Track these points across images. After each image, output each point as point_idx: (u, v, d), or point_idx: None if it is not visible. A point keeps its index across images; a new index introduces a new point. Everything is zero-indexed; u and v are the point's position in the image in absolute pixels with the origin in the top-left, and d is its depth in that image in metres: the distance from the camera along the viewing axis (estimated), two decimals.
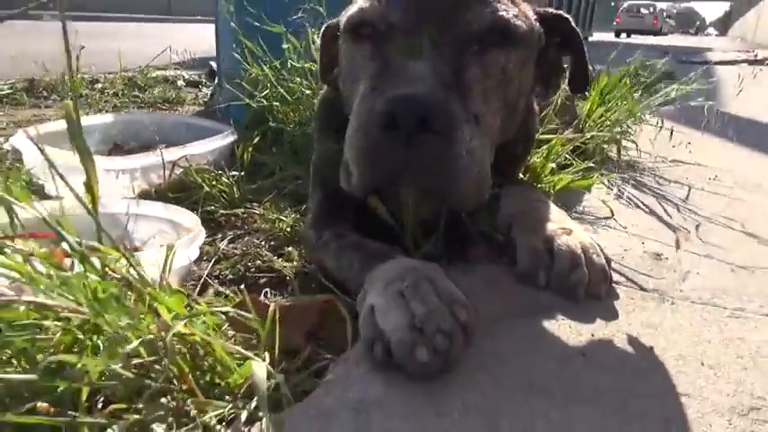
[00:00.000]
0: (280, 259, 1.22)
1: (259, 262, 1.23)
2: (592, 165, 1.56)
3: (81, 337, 0.65)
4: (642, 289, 1.00)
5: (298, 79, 1.80)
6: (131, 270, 0.66)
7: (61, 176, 0.67)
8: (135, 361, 0.62)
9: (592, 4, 14.89)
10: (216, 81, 2.92)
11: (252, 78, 1.85)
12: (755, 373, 0.76)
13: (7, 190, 1.04)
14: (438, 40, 0.84)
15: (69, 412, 0.59)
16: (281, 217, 1.38)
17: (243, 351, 0.65)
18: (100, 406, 0.64)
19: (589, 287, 0.92)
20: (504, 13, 0.89)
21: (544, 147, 1.40)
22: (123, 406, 0.61)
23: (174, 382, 0.65)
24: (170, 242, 0.90)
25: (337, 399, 0.68)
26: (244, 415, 0.63)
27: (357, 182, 0.83)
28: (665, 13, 34.53)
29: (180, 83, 3.57)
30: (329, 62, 1.11)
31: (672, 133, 2.07)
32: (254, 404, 0.64)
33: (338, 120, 1.17)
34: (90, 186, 0.64)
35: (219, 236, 1.36)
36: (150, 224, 1.24)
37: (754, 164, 1.96)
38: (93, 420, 0.58)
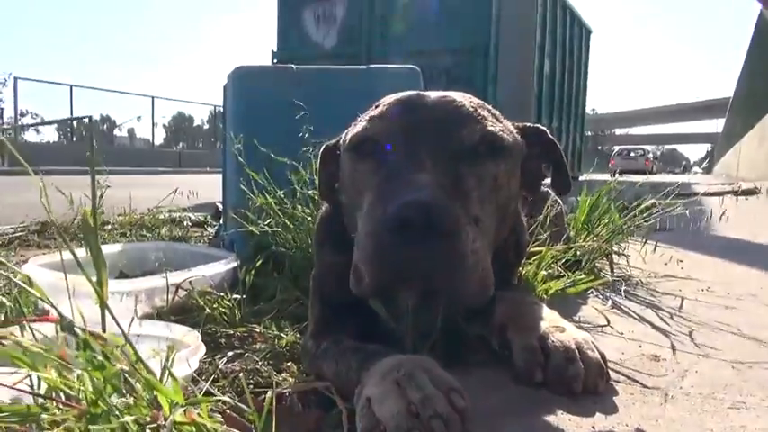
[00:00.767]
0: (280, 375, 1.22)
1: (258, 378, 1.22)
2: (583, 275, 1.60)
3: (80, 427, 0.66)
4: (642, 386, 1.00)
5: (299, 207, 1.90)
6: (132, 357, 0.68)
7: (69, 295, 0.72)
8: None
9: (579, 148, 15.81)
10: (221, 220, 3.05)
11: (256, 208, 1.95)
12: None
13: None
14: (436, 155, 0.93)
15: None
16: (280, 334, 1.39)
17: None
18: None
19: (586, 382, 0.92)
20: (492, 129, 1.00)
21: (535, 257, 1.45)
22: None
23: None
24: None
25: None
26: None
27: (369, 283, 0.87)
28: (650, 155, 37.27)
29: (186, 223, 3.71)
30: (327, 180, 1.20)
31: (663, 252, 2.13)
32: None
33: (336, 235, 1.24)
34: (99, 273, 0.68)
35: (219, 355, 1.36)
36: (152, 342, 1.26)
37: (750, 278, 1.99)
38: None
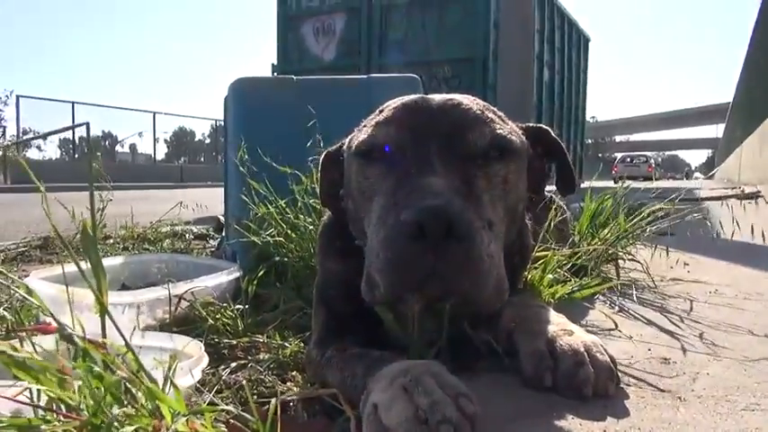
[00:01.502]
0: (284, 385, 1.20)
1: (262, 388, 1.21)
2: (589, 280, 1.58)
3: None
4: (653, 388, 0.98)
5: (301, 216, 1.89)
6: (133, 366, 0.66)
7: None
8: None
9: (580, 156, 15.82)
10: (223, 232, 3.05)
11: (258, 218, 1.94)
12: None
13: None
14: (446, 158, 0.92)
15: None
16: (284, 344, 1.38)
17: None
18: None
19: (596, 385, 0.91)
20: (500, 131, 0.99)
21: (541, 262, 1.43)
22: None
23: None
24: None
25: None
26: None
27: (384, 290, 0.86)
28: (652, 161, 37.59)
29: (188, 236, 3.70)
30: (329, 186, 1.19)
31: (668, 253, 2.12)
32: None
33: (339, 243, 1.23)
34: (99, 282, 0.67)
35: (223, 366, 1.34)
36: (154, 354, 1.24)
37: (758, 279, 1.97)
38: None
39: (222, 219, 3.17)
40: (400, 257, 0.82)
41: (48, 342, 0.83)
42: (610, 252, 1.85)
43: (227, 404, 1.14)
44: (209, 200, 4.34)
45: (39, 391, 0.66)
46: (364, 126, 1.09)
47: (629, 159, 35.66)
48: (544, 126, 1.19)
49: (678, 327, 1.38)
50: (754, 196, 6.80)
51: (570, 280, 1.52)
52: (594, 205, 2.12)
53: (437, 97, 1.03)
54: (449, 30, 8.44)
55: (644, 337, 1.29)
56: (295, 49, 10.00)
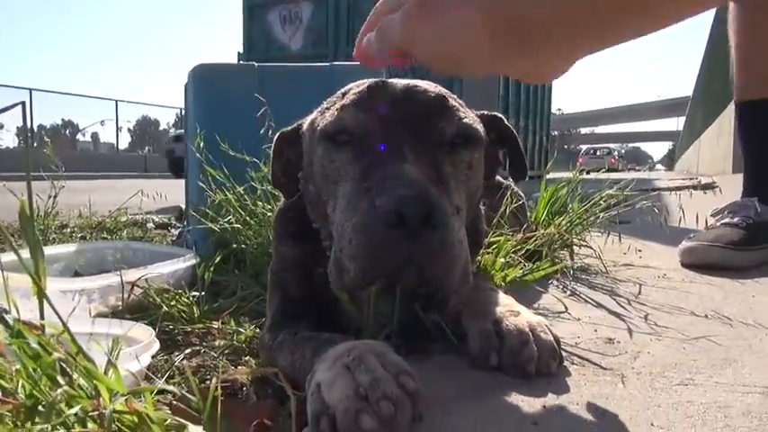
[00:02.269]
0: (236, 369, 1.20)
1: (215, 374, 1.20)
2: (540, 264, 1.61)
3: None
4: (596, 366, 1.01)
5: (260, 203, 1.88)
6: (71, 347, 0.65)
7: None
8: None
9: (546, 147, 16.04)
10: (185, 222, 3.00)
11: (216, 205, 1.93)
12: (704, 429, 0.76)
13: None
14: (415, 144, 0.92)
15: None
16: (239, 330, 1.37)
17: (181, 420, 0.64)
18: None
19: (539, 364, 0.93)
20: (467, 120, 1.01)
21: (494, 246, 1.46)
22: None
23: None
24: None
25: None
26: None
27: (355, 275, 0.86)
28: (616, 153, 38.73)
29: (149, 225, 3.64)
30: (283, 167, 1.18)
31: (621, 240, 2.17)
32: None
33: (294, 227, 1.23)
34: (36, 263, 0.66)
35: (176, 353, 1.33)
36: (103, 341, 1.23)
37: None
38: None
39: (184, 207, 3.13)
40: (376, 244, 0.83)
41: None
42: (564, 238, 1.89)
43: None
44: (173, 190, 4.27)
45: None
46: (327, 108, 1.08)
47: (593, 151, 36.86)
48: (498, 114, 1.21)
49: (625, 309, 1.42)
50: (710, 187, 7.01)
51: (523, 264, 1.55)
52: (549, 193, 2.16)
53: (401, 82, 1.03)
54: None
55: (592, 318, 1.33)
56: (261, 37, 9.88)
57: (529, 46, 0.74)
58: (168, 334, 1.42)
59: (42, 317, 0.67)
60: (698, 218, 2.22)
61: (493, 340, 0.97)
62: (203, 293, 1.56)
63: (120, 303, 1.48)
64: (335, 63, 2.62)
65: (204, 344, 1.38)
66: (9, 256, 1.64)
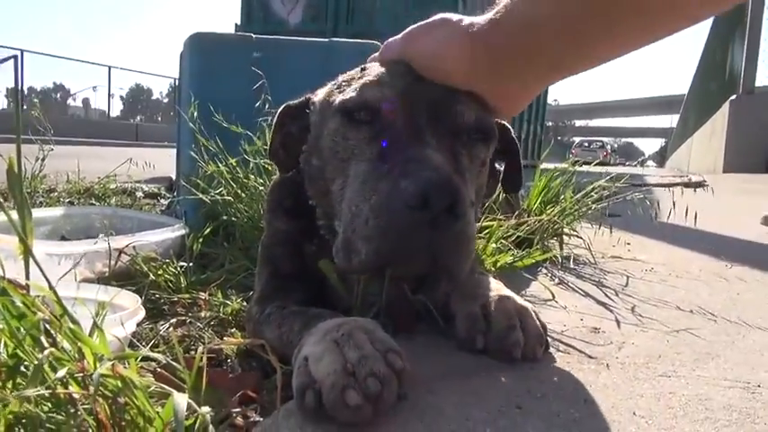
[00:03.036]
0: (221, 341, 1.20)
1: (201, 344, 1.20)
2: (531, 251, 1.62)
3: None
4: (581, 354, 1.02)
5: (252, 176, 1.86)
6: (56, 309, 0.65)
7: None
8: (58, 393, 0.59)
9: (539, 137, 16.05)
10: (174, 192, 2.97)
11: (208, 176, 1.91)
12: (685, 420, 0.77)
13: None
14: (437, 130, 0.90)
15: None
16: (226, 302, 1.37)
17: (165, 387, 0.63)
18: None
19: (525, 349, 0.94)
20: (486, 115, 0.99)
21: (486, 231, 1.46)
22: None
23: (92, 428, 0.62)
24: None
25: None
26: None
27: (367, 257, 0.83)
28: (608, 147, 39.07)
29: (139, 194, 3.61)
30: (283, 140, 1.15)
31: (611, 232, 2.19)
32: None
33: (288, 202, 1.21)
34: (23, 221, 0.64)
35: (161, 322, 1.33)
36: (88, 307, 1.21)
37: (692, 260, 2.06)
38: None
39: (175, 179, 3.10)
40: (395, 226, 0.80)
41: None
42: (555, 227, 1.89)
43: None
44: (164, 160, 4.23)
45: None
46: (345, 83, 1.04)
47: (586, 144, 37.18)
48: (507, 124, 1.18)
49: (612, 300, 1.43)
50: (699, 185, 7.06)
51: (513, 250, 1.56)
52: (543, 182, 2.16)
53: None
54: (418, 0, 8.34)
55: (578, 308, 1.34)
56: (260, 10, 9.71)
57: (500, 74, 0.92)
58: (154, 303, 1.41)
59: (28, 277, 0.66)
60: (686, 213, 2.23)
61: (480, 324, 0.97)
62: (191, 264, 1.55)
63: (106, 270, 1.47)
64: (334, 39, 2.59)
65: (190, 314, 1.37)
66: None
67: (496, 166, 1.21)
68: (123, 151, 10.47)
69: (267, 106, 1.90)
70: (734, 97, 11.20)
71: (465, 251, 0.86)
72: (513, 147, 1.20)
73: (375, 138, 0.92)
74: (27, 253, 0.67)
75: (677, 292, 1.55)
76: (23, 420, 0.61)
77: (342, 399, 0.68)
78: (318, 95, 1.11)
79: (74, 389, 0.62)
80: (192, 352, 1.17)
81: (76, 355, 0.66)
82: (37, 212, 1.77)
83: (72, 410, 0.62)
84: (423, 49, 0.97)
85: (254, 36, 2.42)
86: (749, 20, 11.06)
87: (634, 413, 0.78)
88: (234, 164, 1.88)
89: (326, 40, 2.52)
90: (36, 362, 0.61)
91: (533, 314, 0.99)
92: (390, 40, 1.06)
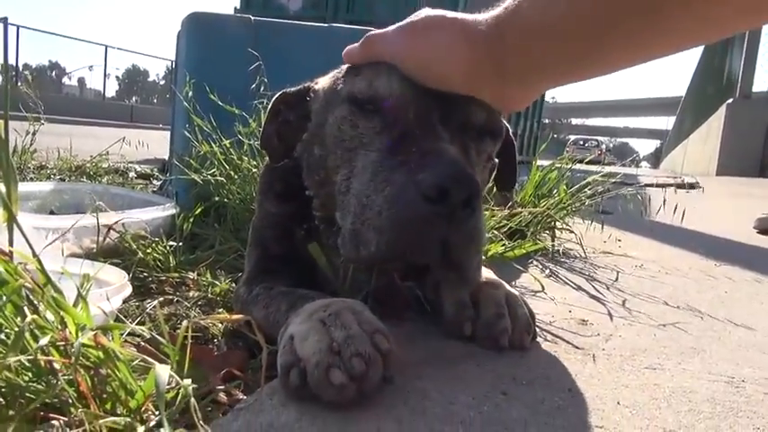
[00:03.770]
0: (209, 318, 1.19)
1: (186, 323, 1.19)
2: (523, 242, 1.62)
3: None
4: (568, 345, 1.02)
5: (245, 158, 1.85)
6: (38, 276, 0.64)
7: None
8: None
9: (536, 133, 16.06)
10: (167, 174, 2.95)
11: (201, 156, 1.89)
12: (668, 411, 0.77)
13: None
14: (449, 126, 0.89)
15: None
16: (214, 282, 1.36)
17: (148, 359, 0.63)
18: None
19: (513, 337, 0.94)
20: (495, 113, 0.97)
21: None
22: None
23: (72, 398, 0.61)
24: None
25: (246, 423, 0.65)
26: (141, 430, 0.59)
27: (377, 249, 0.80)
28: (603, 146, 39.33)
29: (131, 174, 3.58)
30: (277, 127, 1.12)
31: (603, 228, 2.19)
32: (153, 421, 0.61)
33: (280, 185, 1.20)
34: (8, 186, 0.63)
35: (148, 300, 1.32)
36: (74, 280, 1.20)
37: (681, 258, 2.07)
38: None
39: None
40: (411, 218, 0.78)
41: None
42: (548, 220, 1.89)
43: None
44: (158, 142, 4.19)
45: None
46: (354, 72, 1.00)
47: (581, 142, 37.52)
48: (506, 124, 1.17)
49: (601, 294, 1.44)
50: (693, 186, 7.09)
51: (505, 241, 1.56)
52: (539, 176, 2.16)
53: None
54: None
55: (568, 300, 1.34)
56: None
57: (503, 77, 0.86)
58: (142, 281, 1.40)
59: (11, 244, 0.65)
60: (675, 211, 2.24)
61: (468, 310, 0.97)
62: (181, 244, 1.54)
63: (94, 246, 1.46)
64: (334, 25, 2.57)
65: (178, 294, 1.37)
66: None
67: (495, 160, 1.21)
68: (118, 132, 10.39)
69: (263, 89, 1.89)
70: (731, 101, 11.24)
71: (476, 246, 0.84)
72: (511, 148, 1.19)
73: (386, 128, 0.90)
74: (11, 219, 0.66)
75: (666, 288, 1.55)
76: (3, 388, 0.60)
77: (326, 377, 0.67)
78: (320, 83, 1.09)
79: (54, 357, 0.61)
80: (179, 330, 1.16)
81: (59, 326, 0.66)
82: (26, 186, 1.75)
83: (53, 380, 0.61)
84: (420, 53, 0.89)
85: (252, 18, 2.40)
86: None
87: (618, 402, 0.78)
88: (227, 145, 1.87)
89: (326, 25, 2.50)
90: (17, 329, 0.60)
91: (522, 303, 0.99)
92: (374, 33, 0.95)
